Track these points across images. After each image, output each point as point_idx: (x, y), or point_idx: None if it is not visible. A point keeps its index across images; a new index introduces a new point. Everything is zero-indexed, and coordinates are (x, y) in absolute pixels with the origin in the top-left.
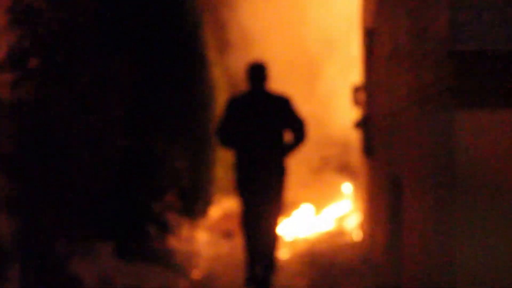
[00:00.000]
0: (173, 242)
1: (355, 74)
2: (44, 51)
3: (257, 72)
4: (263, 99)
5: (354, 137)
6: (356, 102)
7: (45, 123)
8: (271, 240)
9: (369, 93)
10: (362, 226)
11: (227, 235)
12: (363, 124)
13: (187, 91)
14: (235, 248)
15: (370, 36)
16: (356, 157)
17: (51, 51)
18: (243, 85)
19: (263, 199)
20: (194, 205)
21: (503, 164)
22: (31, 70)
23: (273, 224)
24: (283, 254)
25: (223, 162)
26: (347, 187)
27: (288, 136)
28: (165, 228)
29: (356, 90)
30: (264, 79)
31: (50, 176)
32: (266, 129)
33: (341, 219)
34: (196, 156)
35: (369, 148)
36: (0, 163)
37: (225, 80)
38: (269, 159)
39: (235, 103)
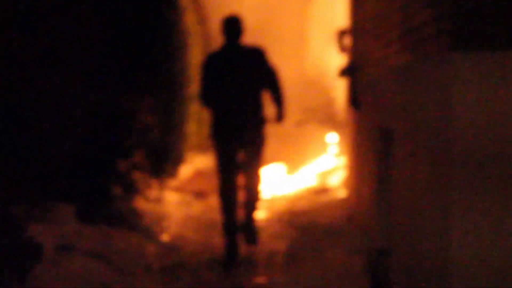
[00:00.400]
0: (141, 204)
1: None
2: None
3: (232, 26)
4: (239, 52)
5: (339, 86)
6: (342, 48)
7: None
8: (253, 192)
9: (356, 37)
10: (346, 183)
11: (199, 195)
12: (349, 72)
13: (157, 38)
14: (207, 209)
15: None
16: (341, 108)
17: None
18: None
19: (242, 151)
20: (163, 163)
21: (505, 112)
22: None
23: (255, 177)
24: (260, 214)
25: (196, 117)
26: (331, 140)
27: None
28: (131, 189)
29: (342, 34)
30: (239, 33)
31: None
32: (243, 81)
33: (324, 175)
34: (167, 110)
35: (355, 99)
36: None
37: (200, 28)
38: (247, 111)
39: (211, 60)
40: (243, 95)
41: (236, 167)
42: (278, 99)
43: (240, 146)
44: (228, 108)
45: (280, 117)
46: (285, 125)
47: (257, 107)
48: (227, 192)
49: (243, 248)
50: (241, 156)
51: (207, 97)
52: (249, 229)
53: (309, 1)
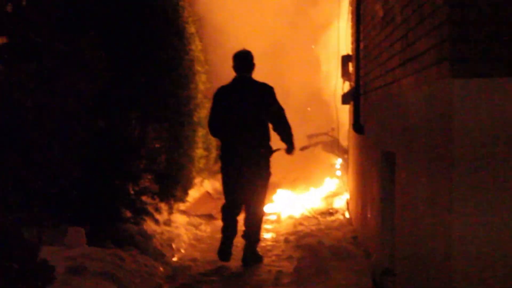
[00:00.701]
0: (150, 226)
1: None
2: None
3: (243, 60)
4: (248, 86)
5: (343, 112)
6: (345, 74)
7: (13, 104)
8: (256, 218)
9: (359, 63)
10: (351, 204)
11: (207, 217)
12: (353, 98)
13: (164, 66)
14: (215, 230)
15: (360, 1)
16: (344, 133)
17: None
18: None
19: (247, 178)
20: (172, 187)
21: (504, 137)
22: None
23: (258, 202)
24: (268, 235)
25: (203, 142)
26: (336, 165)
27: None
28: (141, 212)
29: (345, 61)
30: (249, 67)
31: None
32: (250, 113)
33: (329, 197)
34: (175, 136)
35: (359, 123)
36: None
37: (204, 54)
38: (253, 141)
39: (222, 92)
40: (250, 126)
41: (240, 192)
42: (286, 135)
43: (244, 173)
44: (236, 137)
45: (290, 150)
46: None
47: (263, 138)
48: (229, 214)
49: (248, 270)
50: (245, 182)
51: (215, 127)
52: (249, 254)
53: (320, 29)
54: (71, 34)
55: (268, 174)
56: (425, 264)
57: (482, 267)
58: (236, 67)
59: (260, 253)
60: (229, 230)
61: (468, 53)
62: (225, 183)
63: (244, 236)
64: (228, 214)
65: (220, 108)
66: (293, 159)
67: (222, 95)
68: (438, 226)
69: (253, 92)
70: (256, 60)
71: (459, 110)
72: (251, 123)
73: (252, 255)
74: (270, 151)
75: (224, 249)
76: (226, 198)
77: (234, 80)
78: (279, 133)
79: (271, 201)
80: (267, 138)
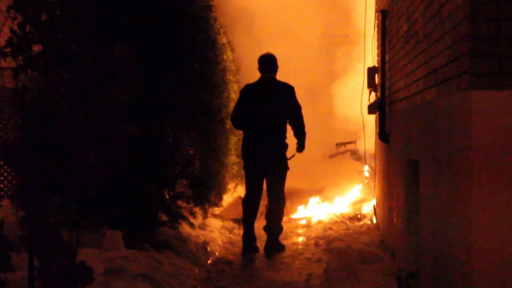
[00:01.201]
0: (186, 230)
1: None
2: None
3: (268, 63)
4: (271, 85)
5: (369, 121)
6: (371, 85)
7: (49, 111)
8: (277, 204)
9: (385, 75)
10: (378, 210)
11: (240, 221)
12: (379, 108)
13: (198, 75)
14: None
15: (385, 16)
16: (371, 142)
17: (54, 36)
18: (248, 69)
19: (267, 170)
20: (206, 193)
21: None
22: (33, 57)
23: (279, 192)
24: (299, 239)
25: (236, 149)
26: (363, 172)
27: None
28: (176, 216)
29: (371, 72)
30: (273, 68)
31: (55, 164)
32: (271, 110)
33: (357, 203)
34: (208, 143)
35: (384, 132)
36: (3, 152)
37: (235, 64)
38: (273, 135)
39: (248, 89)
40: (271, 121)
41: (261, 182)
42: (300, 131)
43: (265, 164)
44: (257, 131)
45: (300, 148)
46: (321, 158)
47: (281, 133)
48: (250, 201)
49: (280, 272)
50: (267, 172)
51: (238, 119)
52: (271, 244)
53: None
54: (106, 42)
55: (286, 166)
56: (447, 268)
57: (501, 271)
58: (261, 69)
59: (282, 242)
60: (249, 220)
61: (486, 67)
62: (247, 174)
63: (266, 228)
64: (249, 206)
65: (245, 103)
66: (322, 167)
67: (248, 91)
68: (459, 231)
69: (276, 91)
70: (287, 69)
71: (477, 120)
72: (273, 119)
73: (274, 245)
74: (286, 146)
75: (248, 244)
76: (247, 189)
77: (260, 79)
78: (293, 127)
79: (304, 206)
80: (284, 134)
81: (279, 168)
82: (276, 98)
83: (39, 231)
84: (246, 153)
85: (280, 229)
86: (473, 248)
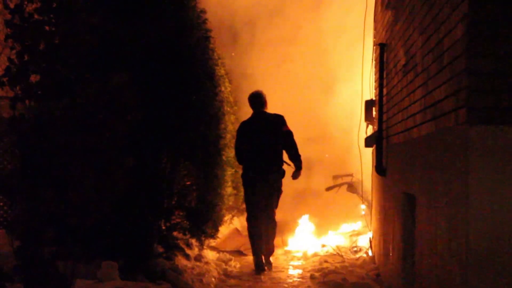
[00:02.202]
0: (182, 261)
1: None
2: (45, 66)
3: (257, 99)
4: (263, 119)
5: (366, 154)
6: (368, 118)
7: (46, 141)
8: (271, 227)
9: (382, 108)
10: (374, 243)
11: (237, 253)
12: (376, 141)
13: (195, 106)
14: (245, 265)
15: (383, 50)
16: (368, 174)
17: (52, 66)
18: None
19: (264, 195)
20: (203, 224)
21: None
22: (31, 86)
23: (272, 215)
24: (294, 271)
25: (232, 181)
26: (359, 205)
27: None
28: (172, 247)
29: (369, 105)
30: (262, 104)
31: (52, 194)
32: (266, 140)
33: (353, 236)
34: (205, 174)
35: (381, 166)
36: (0, 181)
37: (232, 95)
38: (269, 163)
39: (243, 126)
40: (266, 150)
41: (260, 204)
42: (294, 154)
43: (262, 189)
44: (255, 160)
45: (297, 170)
46: (318, 190)
47: (277, 160)
48: (253, 223)
49: None
50: (262, 197)
51: (240, 155)
52: (266, 255)
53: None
54: (104, 73)
55: (280, 191)
56: None
57: None
58: (252, 106)
59: (271, 262)
60: (256, 235)
61: (484, 102)
62: (247, 198)
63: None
64: (252, 222)
65: (243, 139)
66: (320, 198)
67: (244, 128)
68: (455, 267)
69: (268, 122)
70: (282, 102)
71: (474, 155)
72: (267, 148)
73: (267, 263)
74: (283, 173)
75: (259, 266)
76: (248, 210)
77: (253, 115)
78: (288, 151)
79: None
80: (280, 162)
81: (275, 193)
82: (269, 129)
83: (35, 262)
84: (246, 180)
85: (272, 248)
86: (470, 284)
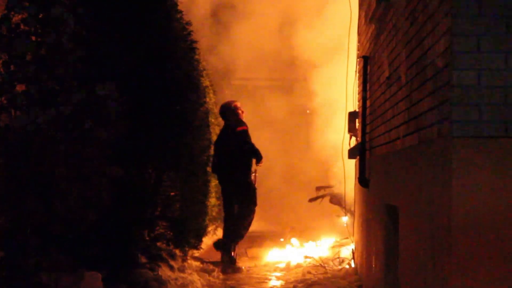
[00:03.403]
0: (165, 272)
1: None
2: (31, 76)
3: (222, 111)
4: (227, 128)
5: (349, 165)
6: (351, 129)
7: (31, 150)
8: (244, 210)
9: (365, 120)
10: (356, 254)
11: (220, 264)
12: (359, 153)
13: (180, 117)
14: (228, 277)
15: (367, 62)
16: (351, 186)
17: (38, 76)
18: None
19: (236, 197)
20: (187, 235)
21: (502, 196)
22: (17, 96)
23: (249, 205)
24: (277, 282)
25: (216, 192)
26: (342, 217)
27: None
28: (156, 258)
29: (352, 117)
30: (228, 116)
31: (36, 204)
32: (229, 147)
33: (335, 247)
34: (189, 185)
35: (364, 177)
36: None
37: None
38: (235, 169)
39: (217, 137)
40: (231, 156)
41: (232, 203)
42: (250, 151)
43: (230, 189)
44: (224, 168)
45: (258, 161)
46: (302, 201)
47: (243, 166)
48: (227, 218)
49: None
50: (235, 196)
51: (213, 165)
52: (221, 243)
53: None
54: (89, 83)
55: (250, 187)
56: None
57: None
58: (221, 116)
59: (234, 256)
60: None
61: (467, 115)
62: (223, 199)
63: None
64: (228, 220)
65: (215, 151)
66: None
67: (217, 140)
68: (437, 277)
69: (230, 132)
70: (269, 119)
71: (457, 168)
72: (232, 154)
73: (224, 244)
74: (249, 174)
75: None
76: (224, 210)
77: (222, 127)
78: (244, 148)
79: (282, 249)
80: (247, 166)
81: (244, 189)
82: (230, 137)
83: (18, 273)
84: (221, 184)
85: (238, 234)
86: None
